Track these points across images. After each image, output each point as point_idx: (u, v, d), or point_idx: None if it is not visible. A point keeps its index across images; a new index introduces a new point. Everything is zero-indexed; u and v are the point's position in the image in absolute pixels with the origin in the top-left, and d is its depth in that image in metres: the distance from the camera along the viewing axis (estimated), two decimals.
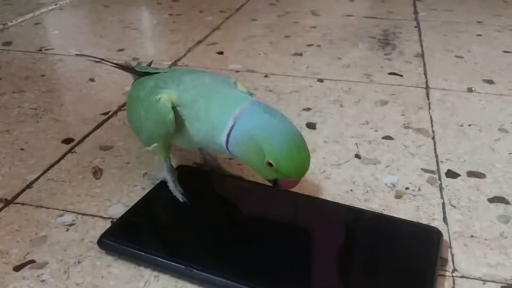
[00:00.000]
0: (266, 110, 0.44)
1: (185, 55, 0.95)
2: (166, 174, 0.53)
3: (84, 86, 0.82)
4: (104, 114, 0.72)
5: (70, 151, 0.63)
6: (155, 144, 0.50)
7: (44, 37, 1.07)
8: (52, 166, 0.60)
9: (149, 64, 0.63)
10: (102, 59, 0.62)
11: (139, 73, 0.57)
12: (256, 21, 1.18)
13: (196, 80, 0.49)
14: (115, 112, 0.73)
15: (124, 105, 0.75)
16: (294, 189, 0.54)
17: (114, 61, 0.62)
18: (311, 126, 0.69)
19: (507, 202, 0.53)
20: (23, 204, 0.53)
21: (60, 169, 0.59)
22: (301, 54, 0.96)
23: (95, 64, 0.91)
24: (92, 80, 0.84)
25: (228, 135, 0.44)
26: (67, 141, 0.65)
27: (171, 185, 0.52)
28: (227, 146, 0.45)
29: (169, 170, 0.53)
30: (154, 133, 0.49)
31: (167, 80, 0.50)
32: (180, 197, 0.51)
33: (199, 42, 1.03)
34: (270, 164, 0.43)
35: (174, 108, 0.47)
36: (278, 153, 0.42)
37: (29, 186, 0.56)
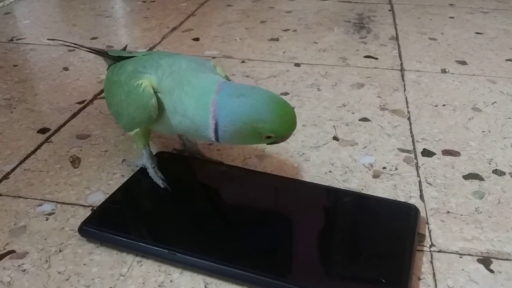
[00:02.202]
0: (235, 93, 0.44)
1: (160, 42, 0.94)
2: (146, 160, 0.53)
3: (58, 75, 0.80)
4: (80, 103, 0.71)
5: (46, 141, 0.62)
6: (137, 130, 0.50)
7: (14, 26, 1.04)
8: (28, 156, 0.59)
9: (124, 49, 0.62)
10: (76, 44, 0.61)
11: (114, 57, 0.56)
12: (232, 6, 1.17)
13: (174, 65, 0.48)
14: (91, 101, 0.72)
15: (100, 93, 0.74)
16: (275, 172, 0.55)
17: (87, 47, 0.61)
18: None
19: (481, 179, 0.55)
20: (0, 195, 0.52)
21: (36, 159, 0.58)
22: (277, 39, 0.96)
23: (69, 53, 0.89)
24: (66, 69, 0.83)
25: (215, 131, 0.45)
26: (42, 131, 0.64)
27: (151, 172, 0.52)
28: (217, 139, 0.46)
29: (149, 156, 0.53)
30: (136, 118, 0.48)
31: (145, 64, 0.49)
32: (160, 183, 0.51)
33: (174, 28, 1.02)
34: (269, 137, 0.45)
35: (155, 93, 0.47)
36: (272, 125, 0.44)
37: (5, 177, 0.55)
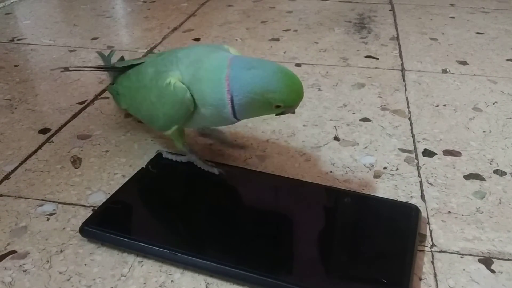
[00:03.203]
0: (245, 66, 0.46)
1: (160, 42, 0.95)
2: (190, 156, 0.55)
3: (59, 76, 0.80)
4: (81, 103, 0.71)
5: (47, 141, 0.62)
6: (175, 127, 0.51)
7: (15, 27, 1.04)
8: (29, 156, 0.59)
9: (109, 55, 0.66)
10: (79, 67, 0.64)
11: (121, 68, 0.57)
12: (232, 7, 1.17)
13: (190, 55, 0.50)
14: (92, 101, 0.72)
15: (101, 93, 0.74)
16: (276, 172, 0.55)
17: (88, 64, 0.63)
18: None
19: (482, 179, 0.55)
20: (1, 195, 0.52)
21: (37, 159, 0.58)
22: (278, 39, 0.96)
23: (70, 53, 0.89)
24: (67, 69, 0.83)
25: (232, 107, 0.46)
26: (43, 131, 0.64)
27: (200, 163, 0.54)
28: (235, 116, 0.47)
29: (191, 152, 0.55)
30: (174, 115, 0.49)
31: (165, 62, 0.50)
32: (215, 170, 0.53)
33: (175, 29, 1.02)
34: (278, 106, 0.47)
35: None
36: (281, 94, 0.46)
37: (7, 177, 0.55)
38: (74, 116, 0.68)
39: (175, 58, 0.50)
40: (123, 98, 0.58)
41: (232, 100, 0.46)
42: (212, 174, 0.54)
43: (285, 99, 0.46)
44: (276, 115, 0.49)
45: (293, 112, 0.49)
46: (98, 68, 0.63)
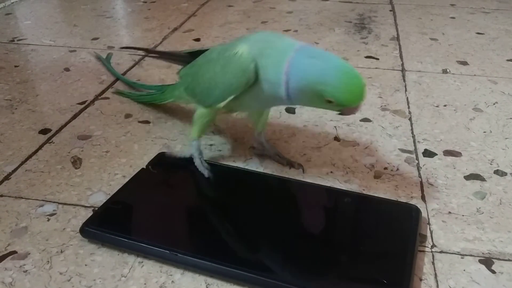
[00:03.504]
0: (310, 55, 0.46)
1: (161, 42, 0.95)
2: (194, 150, 0.55)
3: (59, 76, 0.80)
4: (81, 103, 0.71)
5: (47, 141, 0.62)
6: (231, 97, 0.50)
7: (16, 27, 1.04)
8: (29, 157, 0.59)
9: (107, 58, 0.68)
10: (147, 51, 0.65)
11: (186, 58, 0.59)
12: (232, 7, 1.17)
13: (258, 35, 0.51)
14: (92, 102, 0.72)
15: (101, 93, 0.74)
16: (276, 173, 0.55)
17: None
18: (290, 110, 0.69)
19: (482, 179, 0.55)
20: (1, 195, 0.52)
21: (38, 160, 0.58)
22: None
23: (70, 53, 0.89)
24: (67, 69, 0.83)
25: (287, 89, 0.46)
26: (44, 131, 0.64)
27: (197, 162, 0.54)
28: (289, 97, 0.47)
29: (198, 147, 0.55)
30: (233, 84, 0.49)
31: (234, 41, 0.51)
32: (206, 172, 0.53)
33: (175, 29, 1.02)
34: (330, 101, 0.45)
35: None
36: (333, 89, 0.44)
37: (7, 177, 0.55)
38: (75, 117, 0.68)
39: (244, 38, 0.51)
40: (185, 80, 0.58)
41: (287, 82, 0.46)
42: (212, 174, 0.54)
43: (336, 96, 0.45)
44: (337, 114, 0.48)
45: (353, 113, 0.48)
46: (170, 54, 0.64)
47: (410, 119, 0.67)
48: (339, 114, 0.48)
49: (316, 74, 0.45)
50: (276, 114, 0.68)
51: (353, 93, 0.45)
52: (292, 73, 0.45)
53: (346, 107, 0.46)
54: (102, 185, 0.54)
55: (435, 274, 0.43)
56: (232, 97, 0.50)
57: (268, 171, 0.55)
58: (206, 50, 0.56)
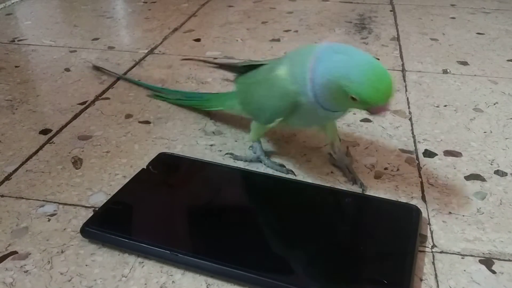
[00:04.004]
0: (336, 50, 0.44)
1: (161, 43, 0.95)
2: (259, 153, 0.56)
3: (59, 76, 0.80)
4: (81, 104, 0.71)
5: (48, 141, 0.62)
6: (280, 119, 0.50)
7: (16, 27, 1.05)
8: (30, 157, 0.59)
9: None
10: (206, 61, 0.65)
11: (242, 68, 0.58)
12: (233, 7, 1.17)
13: (298, 49, 0.50)
14: (93, 102, 0.72)
15: (101, 94, 0.74)
16: (277, 174, 0.55)
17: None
18: None
19: (483, 179, 0.55)
20: (2, 196, 0.52)
21: (38, 160, 0.58)
22: (278, 40, 0.96)
23: (70, 54, 0.89)
24: (67, 70, 0.83)
25: (313, 87, 0.45)
26: (44, 131, 0.64)
27: (268, 163, 0.55)
28: (317, 100, 0.45)
29: (261, 149, 0.56)
30: (281, 107, 0.49)
31: (278, 61, 0.51)
32: (284, 170, 0.54)
33: (175, 29, 1.02)
34: (354, 99, 0.43)
35: None
36: (357, 85, 0.42)
37: (7, 178, 0.55)
38: (75, 117, 0.68)
39: (286, 56, 0.51)
40: (239, 94, 0.58)
41: (312, 80, 0.44)
42: (213, 174, 0.54)
43: (360, 93, 0.42)
44: (366, 111, 0.45)
45: (382, 113, 0.45)
46: (217, 64, 0.63)
47: (410, 119, 0.67)
48: (369, 114, 0.46)
49: (340, 69, 0.43)
50: None
51: (378, 90, 0.43)
52: (317, 68, 0.44)
53: (372, 106, 0.44)
54: (102, 186, 0.54)
55: (436, 274, 0.43)
56: (279, 119, 0.50)
57: (268, 171, 0.56)
58: (260, 64, 0.56)
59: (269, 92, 0.50)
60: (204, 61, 0.69)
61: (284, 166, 0.55)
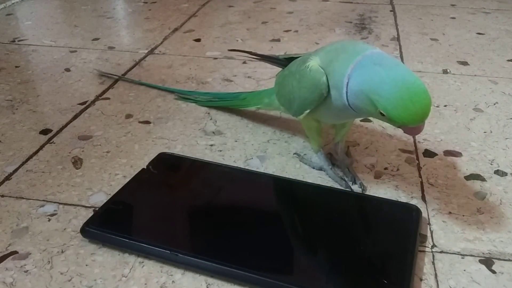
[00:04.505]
0: (377, 61, 0.43)
1: (161, 43, 0.95)
2: (323, 163, 0.55)
3: (60, 76, 0.80)
4: (82, 104, 0.71)
5: (48, 141, 0.62)
6: (307, 111, 0.50)
7: (16, 27, 1.05)
8: (30, 157, 0.59)
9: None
10: (253, 54, 0.62)
11: (285, 61, 0.58)
12: (233, 7, 1.17)
13: (333, 44, 0.50)
14: (93, 102, 0.72)
15: (101, 94, 0.74)
16: (277, 173, 0.55)
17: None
18: None
19: (483, 179, 0.55)
20: (2, 196, 0.52)
21: (39, 160, 0.58)
22: (278, 40, 0.96)
23: (71, 54, 0.89)
24: (68, 70, 0.83)
25: (347, 93, 0.44)
26: (44, 132, 0.64)
27: (330, 173, 0.54)
28: (350, 105, 0.45)
29: (325, 158, 0.55)
30: (308, 98, 0.49)
31: (311, 53, 0.51)
32: (343, 184, 0.52)
33: (176, 29, 1.02)
34: (382, 114, 0.42)
35: None
36: (387, 103, 0.41)
37: (8, 178, 0.55)
38: (75, 117, 0.68)
39: (320, 49, 0.51)
40: (276, 88, 0.58)
41: (348, 86, 0.44)
42: (214, 175, 0.54)
43: (389, 110, 0.41)
44: (396, 126, 0.44)
45: (413, 134, 0.45)
46: (262, 57, 0.62)
47: None
48: (401, 128, 0.44)
49: (373, 82, 0.42)
50: (277, 114, 0.68)
51: (408, 110, 0.40)
52: (353, 76, 0.44)
53: (402, 125, 0.42)
54: (102, 185, 0.54)
55: (436, 274, 0.43)
56: (308, 111, 0.50)
57: (268, 171, 0.56)
58: (299, 56, 0.56)
59: (299, 83, 0.50)
60: (249, 53, 0.64)
61: (345, 180, 0.53)
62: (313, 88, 0.48)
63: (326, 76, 0.47)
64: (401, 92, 0.41)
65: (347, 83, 0.44)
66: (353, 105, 0.45)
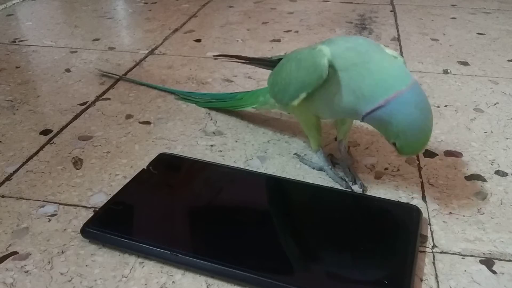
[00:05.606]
0: (418, 105, 0.45)
1: (162, 43, 0.95)
2: (323, 163, 0.55)
3: (60, 77, 0.80)
4: (82, 104, 0.71)
5: (48, 142, 0.62)
6: (303, 95, 0.49)
7: (17, 28, 1.05)
8: (31, 157, 0.59)
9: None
10: (240, 58, 0.63)
11: (276, 62, 0.58)
12: (233, 7, 1.17)
13: (349, 41, 0.49)
14: (93, 102, 0.72)
15: (102, 94, 0.74)
16: (277, 173, 0.55)
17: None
18: None
19: (483, 180, 0.55)
20: (3, 196, 0.52)
21: (39, 161, 0.58)
22: (279, 40, 0.96)
23: (71, 54, 0.89)
24: (68, 70, 0.83)
25: (373, 110, 0.45)
26: (45, 132, 0.64)
27: (330, 173, 0.54)
28: (364, 116, 0.47)
29: (325, 158, 0.55)
30: (306, 80, 0.48)
31: (316, 43, 0.51)
32: (344, 184, 0.52)
33: (176, 30, 1.02)
34: (394, 144, 0.47)
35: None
36: (406, 145, 0.46)
37: (8, 178, 0.55)
38: (75, 117, 0.68)
39: (328, 40, 0.50)
40: (269, 82, 0.58)
41: (381, 108, 0.45)
42: (214, 175, 0.54)
43: (403, 148, 0.46)
44: (397, 150, 0.48)
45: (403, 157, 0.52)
46: (248, 60, 0.63)
47: None
48: (398, 151, 0.48)
49: (406, 123, 0.44)
50: (277, 114, 0.68)
51: (415, 149, 0.47)
52: (392, 105, 0.44)
53: (401, 154, 0.48)
54: (103, 186, 0.54)
55: (436, 275, 0.43)
56: (304, 94, 0.49)
57: (268, 171, 0.56)
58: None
59: (298, 64, 0.50)
60: (237, 57, 0.65)
61: (345, 180, 0.53)
62: (312, 69, 0.47)
63: (329, 60, 0.46)
64: (422, 139, 0.46)
65: (381, 106, 0.45)
66: (368, 120, 0.47)
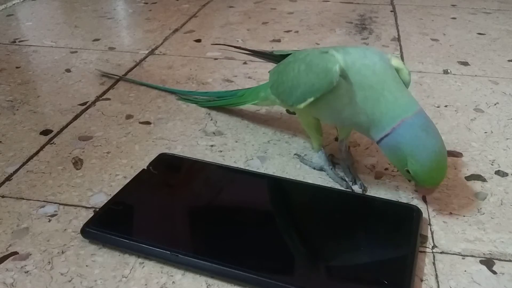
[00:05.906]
0: (423, 128, 0.45)
1: (162, 43, 0.95)
2: (323, 163, 0.55)
3: (60, 77, 0.80)
4: (82, 104, 0.71)
5: (48, 142, 0.62)
6: (311, 99, 0.48)
7: (17, 28, 1.05)
8: (31, 158, 0.59)
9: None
10: (240, 48, 0.62)
11: (278, 57, 0.58)
12: (233, 8, 1.17)
13: (366, 58, 0.48)
14: (93, 102, 0.72)
15: (102, 95, 0.74)
16: (277, 173, 0.55)
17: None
18: (291, 111, 0.69)
19: (483, 180, 0.55)
20: (3, 196, 0.52)
21: (39, 161, 0.58)
22: (279, 41, 0.96)
23: (71, 54, 0.89)
24: (68, 70, 0.83)
25: (382, 137, 0.47)
26: (45, 132, 0.64)
27: (330, 173, 0.54)
28: (377, 142, 0.48)
29: (326, 158, 0.55)
30: (315, 85, 0.47)
31: (327, 48, 0.50)
32: (344, 184, 0.52)
33: (176, 30, 1.02)
34: (408, 172, 0.47)
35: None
36: (420, 169, 0.46)
37: (8, 178, 0.55)
38: (76, 118, 0.68)
39: (342, 49, 0.49)
40: (272, 79, 0.57)
41: (388, 135, 0.46)
42: (214, 175, 0.54)
43: (419, 174, 0.46)
44: (408, 179, 0.49)
45: (425, 194, 0.51)
46: (253, 52, 0.62)
47: None
48: (412, 182, 0.48)
49: (413, 146, 0.45)
50: (277, 114, 0.68)
51: (433, 178, 0.46)
52: (397, 132, 0.45)
53: (419, 185, 0.47)
54: (103, 186, 0.54)
55: (436, 275, 0.43)
56: (312, 99, 0.48)
57: (269, 172, 0.56)
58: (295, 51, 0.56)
59: (308, 67, 0.48)
60: (238, 48, 0.65)
61: (345, 181, 0.53)
62: (323, 74, 0.46)
63: (341, 68, 0.46)
64: (434, 163, 0.45)
65: (388, 134, 0.46)
66: (380, 147, 0.48)
